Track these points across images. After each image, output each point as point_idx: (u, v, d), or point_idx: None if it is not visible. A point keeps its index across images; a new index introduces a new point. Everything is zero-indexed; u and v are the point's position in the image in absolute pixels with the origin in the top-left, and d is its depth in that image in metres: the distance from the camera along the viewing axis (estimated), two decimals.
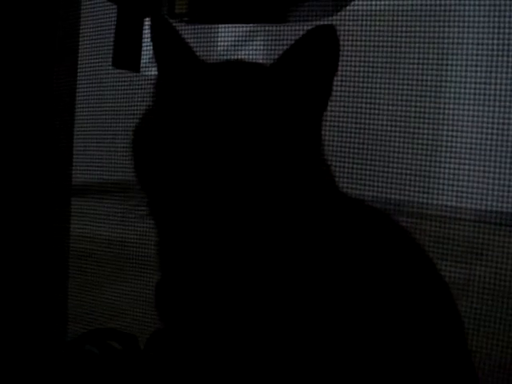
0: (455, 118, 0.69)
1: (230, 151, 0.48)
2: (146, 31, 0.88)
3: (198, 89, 0.51)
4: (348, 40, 0.64)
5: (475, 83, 0.65)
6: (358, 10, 0.66)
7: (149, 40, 0.87)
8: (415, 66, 0.66)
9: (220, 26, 0.86)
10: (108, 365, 0.72)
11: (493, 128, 0.66)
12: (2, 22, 0.84)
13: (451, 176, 0.69)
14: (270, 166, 0.49)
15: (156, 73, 0.59)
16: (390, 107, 0.69)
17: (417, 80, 0.67)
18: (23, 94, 0.87)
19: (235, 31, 0.84)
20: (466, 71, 0.65)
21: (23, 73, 0.87)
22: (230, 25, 0.85)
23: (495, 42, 0.60)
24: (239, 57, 0.99)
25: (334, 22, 0.67)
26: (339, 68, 0.52)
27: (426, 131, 0.74)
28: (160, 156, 0.50)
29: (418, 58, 0.66)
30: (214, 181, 0.48)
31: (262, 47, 0.87)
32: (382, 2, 0.63)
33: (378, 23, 0.65)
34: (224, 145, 0.48)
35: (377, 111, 0.69)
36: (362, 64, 0.63)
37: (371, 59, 0.65)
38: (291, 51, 0.51)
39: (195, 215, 0.49)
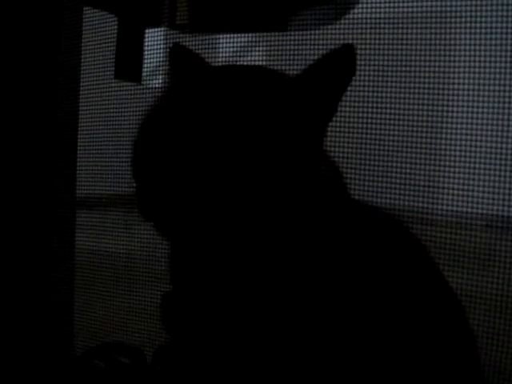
0: (462, 121, 0.68)
1: (237, 155, 0.48)
2: (147, 42, 0.89)
3: (217, 93, 0.51)
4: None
5: (482, 88, 0.64)
6: (358, 18, 0.66)
7: (150, 51, 0.87)
8: (419, 74, 0.66)
9: (221, 35, 0.86)
10: (115, 379, 0.72)
11: (500, 131, 0.66)
12: (5, 34, 0.85)
13: (457, 181, 0.68)
14: (277, 172, 0.49)
15: (158, 84, 0.59)
16: (395, 113, 0.69)
17: (420, 86, 0.67)
18: (26, 106, 0.88)
19: (236, 40, 0.84)
20: (473, 77, 0.64)
21: (26, 86, 0.87)
22: (230, 34, 0.84)
23: (502, 47, 0.60)
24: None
25: (333, 30, 0.66)
26: None
27: (431, 135, 0.73)
28: (167, 158, 0.50)
29: (423, 66, 0.66)
30: (225, 189, 0.48)
31: (263, 56, 0.87)
32: (383, 10, 0.62)
33: (378, 31, 0.64)
34: (236, 150, 0.49)
35: (381, 117, 0.69)
36: (362, 71, 0.62)
37: (372, 67, 0.64)
38: (314, 68, 0.53)
39: (204, 224, 0.49)
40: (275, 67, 0.64)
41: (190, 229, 0.51)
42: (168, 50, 0.60)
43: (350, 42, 0.59)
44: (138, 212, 0.53)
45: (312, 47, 0.69)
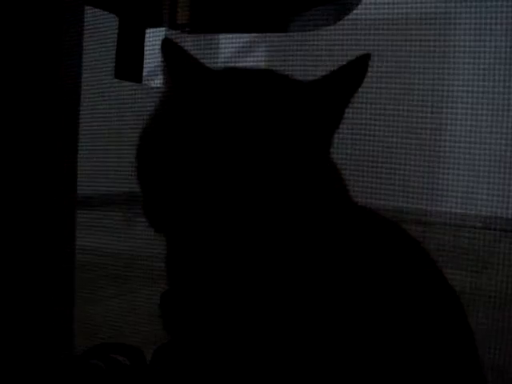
0: (461, 124, 0.68)
1: (242, 159, 0.49)
2: (148, 42, 0.89)
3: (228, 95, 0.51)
4: (349, 49, 0.64)
5: (483, 90, 0.64)
6: (358, 19, 0.66)
7: (150, 51, 0.87)
8: (418, 75, 0.66)
9: (221, 35, 0.86)
10: (114, 379, 0.72)
11: (498, 133, 0.66)
12: (7, 33, 0.85)
13: (456, 183, 0.68)
14: (282, 178, 0.49)
15: (158, 83, 0.59)
16: (394, 115, 0.69)
17: (420, 88, 0.67)
18: (27, 105, 0.88)
19: (236, 40, 0.84)
20: (475, 79, 0.64)
21: (27, 85, 0.87)
22: (231, 34, 0.85)
23: (507, 49, 0.60)
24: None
25: (334, 31, 0.67)
26: None
27: (430, 137, 0.74)
28: (171, 164, 0.50)
29: (424, 67, 0.66)
30: (225, 190, 0.48)
31: (263, 56, 0.87)
32: (382, 11, 0.62)
33: (379, 32, 0.64)
34: (238, 153, 0.49)
35: (380, 119, 0.69)
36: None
37: (372, 69, 0.64)
38: (333, 76, 0.53)
39: (203, 225, 0.49)
40: (275, 67, 0.64)
41: (194, 230, 0.51)
42: (160, 44, 0.59)
43: (351, 42, 0.59)
44: (146, 220, 0.53)
45: (312, 48, 0.69)
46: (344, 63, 0.53)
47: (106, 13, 0.92)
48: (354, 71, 0.53)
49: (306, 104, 0.53)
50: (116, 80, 0.90)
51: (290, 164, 0.50)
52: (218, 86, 0.53)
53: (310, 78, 0.56)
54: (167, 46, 0.58)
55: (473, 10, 0.60)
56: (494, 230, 0.69)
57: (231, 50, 0.84)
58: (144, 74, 0.89)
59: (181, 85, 0.56)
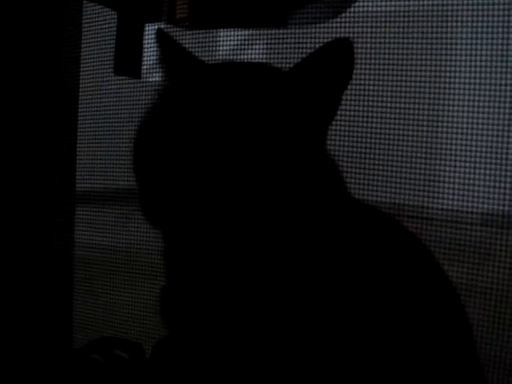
0: (460, 119, 0.68)
1: (238, 153, 0.49)
2: (147, 38, 0.89)
3: (214, 90, 0.51)
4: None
5: (481, 84, 0.64)
6: (358, 12, 0.66)
7: (149, 47, 0.87)
8: (416, 69, 0.66)
9: (220, 30, 0.86)
10: (114, 374, 0.72)
11: (497, 128, 0.66)
12: (5, 29, 0.85)
13: (454, 174, 0.69)
14: (277, 171, 0.49)
15: (157, 79, 0.59)
16: (392, 110, 0.69)
17: (418, 82, 0.67)
18: (26, 101, 0.88)
19: (235, 36, 0.84)
20: (473, 71, 0.64)
21: (26, 81, 0.87)
22: (230, 29, 0.84)
23: (504, 41, 0.60)
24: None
25: (333, 25, 0.66)
26: None
27: (428, 132, 0.74)
28: (168, 159, 0.50)
29: (421, 61, 0.66)
30: (221, 184, 0.48)
31: (262, 51, 0.87)
32: (383, 4, 0.62)
33: (378, 25, 0.64)
34: (233, 147, 0.49)
35: (378, 114, 0.69)
36: (361, 67, 0.63)
37: (371, 62, 0.64)
38: (308, 61, 0.52)
39: (200, 219, 0.49)
40: (275, 63, 0.64)
41: (191, 225, 0.51)
42: (155, 34, 0.60)
43: (350, 36, 0.59)
44: (143, 215, 0.53)
45: (311, 43, 0.69)
46: (321, 45, 0.51)
47: (104, 8, 0.92)
48: (336, 55, 0.51)
49: (295, 94, 0.52)
50: (115, 76, 0.90)
51: (286, 156, 0.50)
52: (208, 78, 0.53)
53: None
54: (161, 36, 0.59)
55: (471, 2, 0.60)
56: (492, 225, 0.69)
57: (230, 44, 0.84)
58: (143, 69, 0.89)
59: (173, 76, 0.57)
